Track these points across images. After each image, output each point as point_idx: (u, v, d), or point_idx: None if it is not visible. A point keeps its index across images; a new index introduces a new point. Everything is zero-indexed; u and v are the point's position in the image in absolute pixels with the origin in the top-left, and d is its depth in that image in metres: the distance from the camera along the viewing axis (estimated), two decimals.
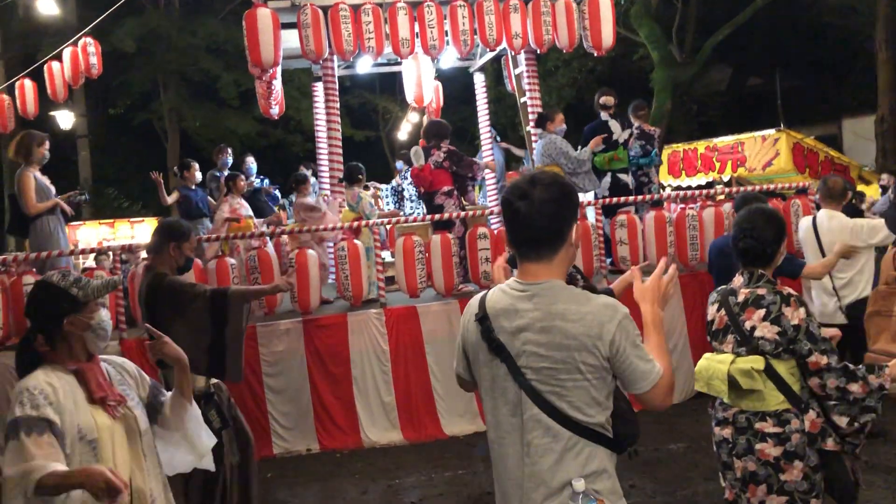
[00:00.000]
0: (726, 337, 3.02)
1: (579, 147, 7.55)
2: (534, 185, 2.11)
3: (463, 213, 7.12)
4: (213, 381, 4.10)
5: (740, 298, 2.98)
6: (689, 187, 13.86)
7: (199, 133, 21.55)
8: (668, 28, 17.05)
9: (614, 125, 7.81)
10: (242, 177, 8.55)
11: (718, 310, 3.07)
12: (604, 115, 7.87)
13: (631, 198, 7.30)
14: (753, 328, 2.91)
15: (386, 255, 8.16)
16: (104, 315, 2.58)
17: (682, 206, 7.18)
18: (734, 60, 21.82)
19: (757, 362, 2.87)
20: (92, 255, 10.49)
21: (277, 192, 10.06)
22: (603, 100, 7.97)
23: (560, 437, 2.08)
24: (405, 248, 6.48)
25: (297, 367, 6.22)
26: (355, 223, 6.84)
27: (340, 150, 8.34)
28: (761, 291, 2.95)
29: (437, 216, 7.02)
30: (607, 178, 7.70)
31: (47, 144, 6.61)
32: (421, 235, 6.89)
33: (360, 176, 7.60)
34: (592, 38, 7.78)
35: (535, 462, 2.11)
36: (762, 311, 2.90)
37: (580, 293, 2.13)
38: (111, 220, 18.17)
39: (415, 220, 7.74)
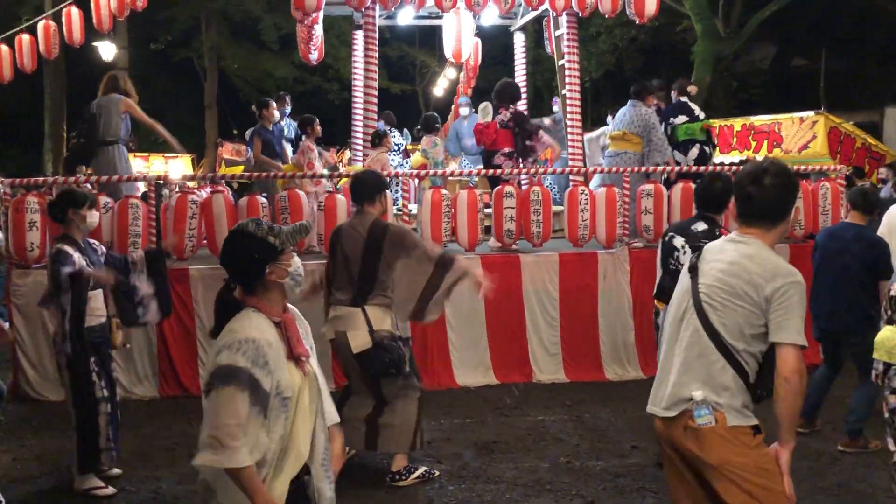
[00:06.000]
0: None
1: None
2: (765, 172, 2.57)
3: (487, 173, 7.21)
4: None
5: None
6: (722, 164, 13.75)
7: (238, 74, 21.66)
8: (715, 1, 16.75)
9: (695, 106, 7.94)
10: (317, 120, 8.47)
11: None
12: (684, 98, 7.98)
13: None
14: None
15: (414, 208, 8.28)
16: (298, 261, 2.55)
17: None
18: (779, 39, 21.41)
19: None
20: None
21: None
22: (690, 88, 8.17)
23: (700, 340, 2.57)
24: (433, 201, 6.58)
25: None
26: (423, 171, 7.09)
27: (376, 101, 8.43)
28: None
29: (473, 173, 7.14)
30: (695, 150, 7.73)
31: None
32: (450, 190, 7.00)
33: (437, 125, 7.82)
34: (635, 5, 7.74)
35: (680, 354, 2.63)
36: None
37: (776, 255, 2.60)
38: (146, 154, 18.39)
39: (464, 175, 7.81)
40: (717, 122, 14.99)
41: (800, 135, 12.91)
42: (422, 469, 4.56)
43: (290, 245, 2.49)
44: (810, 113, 13.11)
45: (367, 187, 4.51)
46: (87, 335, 4.31)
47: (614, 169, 7.17)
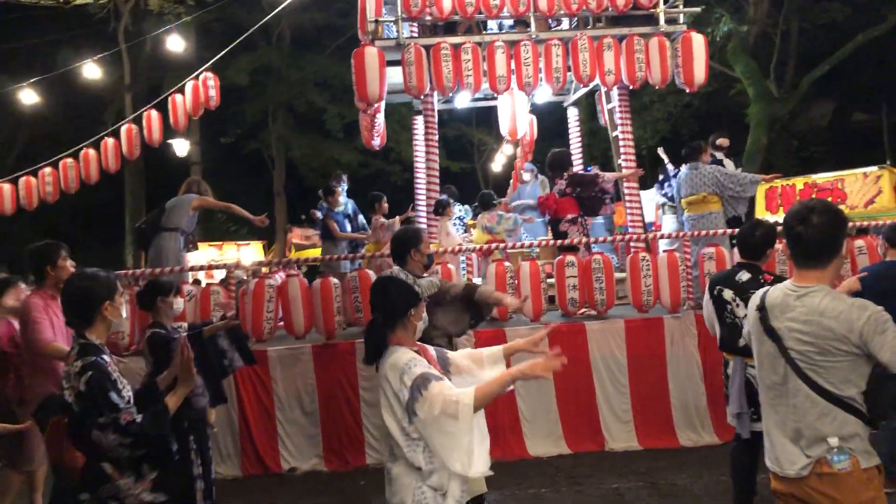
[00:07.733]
0: None
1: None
2: (812, 211, 2.70)
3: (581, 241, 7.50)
4: None
5: None
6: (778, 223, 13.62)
7: (304, 161, 22.55)
8: (768, 63, 16.88)
9: (729, 164, 8.11)
10: (384, 197, 9.25)
11: None
12: (719, 155, 8.18)
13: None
14: None
15: (478, 280, 8.47)
16: (424, 310, 3.19)
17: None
18: (838, 95, 21.30)
19: None
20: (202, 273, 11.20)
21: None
22: (719, 141, 8.37)
23: (816, 403, 2.66)
24: (497, 273, 6.77)
25: None
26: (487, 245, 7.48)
27: (437, 181, 8.73)
28: None
29: (550, 241, 7.58)
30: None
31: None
32: (512, 262, 7.18)
33: (494, 202, 8.19)
34: (685, 76, 7.92)
35: (799, 420, 2.71)
36: None
37: (840, 296, 2.68)
38: (219, 243, 19.17)
39: (539, 245, 8.10)
40: (778, 183, 14.95)
41: (864, 190, 12.78)
42: None
43: (425, 295, 3.13)
44: (874, 168, 12.98)
45: (401, 245, 4.80)
46: (188, 415, 4.56)
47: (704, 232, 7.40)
